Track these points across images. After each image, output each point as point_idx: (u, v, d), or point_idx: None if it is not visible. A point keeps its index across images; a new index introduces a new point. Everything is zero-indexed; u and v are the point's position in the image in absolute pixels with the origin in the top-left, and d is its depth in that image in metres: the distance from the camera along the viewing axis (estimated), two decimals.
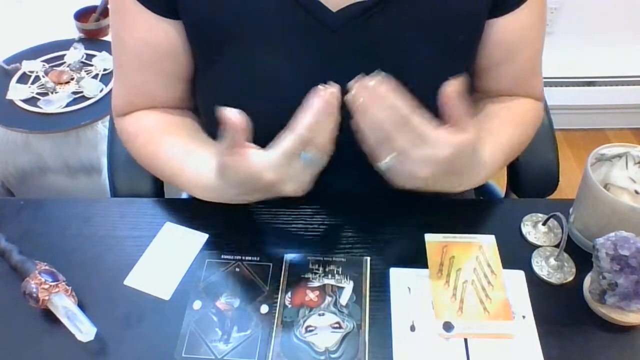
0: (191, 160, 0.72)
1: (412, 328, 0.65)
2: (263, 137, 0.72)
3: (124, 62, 0.74)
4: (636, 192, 0.70)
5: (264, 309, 0.66)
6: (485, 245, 0.73)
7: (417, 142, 0.57)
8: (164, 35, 0.70)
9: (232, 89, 0.70)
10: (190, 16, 0.68)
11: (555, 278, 0.69)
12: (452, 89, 0.56)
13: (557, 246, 0.73)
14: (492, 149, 0.71)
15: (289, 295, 0.67)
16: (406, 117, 0.56)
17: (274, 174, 0.59)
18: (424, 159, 0.58)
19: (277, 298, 0.67)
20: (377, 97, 0.56)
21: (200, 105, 0.77)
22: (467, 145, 0.58)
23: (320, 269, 0.70)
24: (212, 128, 0.76)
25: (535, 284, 0.69)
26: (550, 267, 0.70)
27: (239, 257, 0.71)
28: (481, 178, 0.69)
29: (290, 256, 0.71)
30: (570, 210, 0.75)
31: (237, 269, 0.70)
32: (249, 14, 0.65)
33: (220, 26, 0.67)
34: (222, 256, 0.71)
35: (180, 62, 0.73)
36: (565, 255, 0.71)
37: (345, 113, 0.69)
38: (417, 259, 0.71)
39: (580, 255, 0.71)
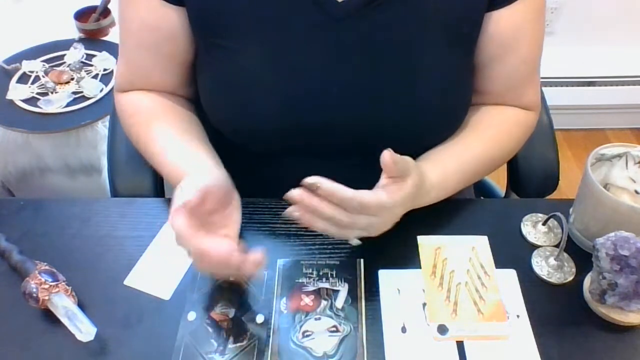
0: (173, 155, 0.72)
1: (404, 329, 0.65)
2: (264, 127, 0.72)
3: (126, 41, 0.76)
4: (636, 192, 0.70)
5: (260, 318, 0.65)
6: (478, 246, 0.73)
7: (370, 213, 0.61)
8: (164, 20, 0.71)
9: (232, 78, 0.70)
10: (194, 3, 0.69)
11: (555, 278, 0.69)
12: (388, 158, 0.61)
13: (557, 246, 0.73)
14: (444, 171, 0.73)
15: (284, 301, 0.67)
16: (346, 202, 0.60)
17: None
18: (382, 220, 0.62)
19: (272, 306, 0.66)
20: (313, 210, 0.60)
21: (201, 94, 0.77)
22: (408, 195, 0.63)
23: (314, 272, 0.70)
24: (212, 118, 0.77)
25: (535, 283, 0.69)
26: (550, 267, 0.70)
27: None
28: (430, 199, 0.72)
29: (283, 261, 0.71)
30: (570, 210, 0.75)
31: (232, 278, 0.69)
32: (253, 2, 0.66)
33: (224, 14, 0.67)
34: None
35: (178, 47, 0.74)
36: (565, 255, 0.71)
37: (331, 115, 0.70)
38: (410, 260, 0.71)
39: (580, 255, 0.71)
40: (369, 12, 0.65)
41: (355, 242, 0.63)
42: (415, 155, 0.78)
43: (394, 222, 0.65)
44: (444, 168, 0.73)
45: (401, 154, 0.77)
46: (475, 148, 0.76)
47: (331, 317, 0.65)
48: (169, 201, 0.81)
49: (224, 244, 0.58)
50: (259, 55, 0.68)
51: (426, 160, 0.73)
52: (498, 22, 0.71)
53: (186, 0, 0.69)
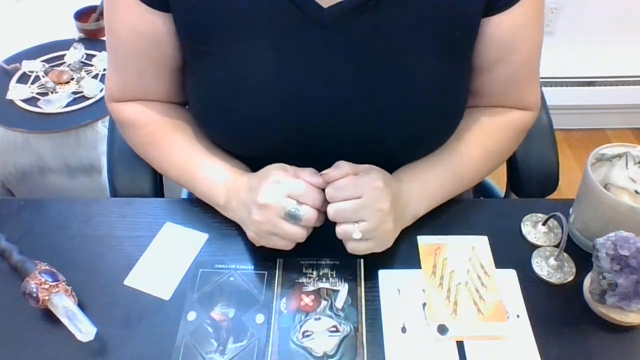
0: (203, 172, 0.75)
1: (404, 329, 0.65)
2: (252, 133, 0.72)
3: (115, 49, 0.76)
4: (636, 192, 0.71)
5: (260, 318, 0.65)
6: (478, 246, 0.73)
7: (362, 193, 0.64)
8: (151, 26, 0.71)
9: (220, 84, 0.70)
10: (180, 9, 0.68)
11: (555, 278, 0.69)
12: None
13: (557, 246, 0.73)
14: (426, 183, 0.75)
15: (284, 301, 0.67)
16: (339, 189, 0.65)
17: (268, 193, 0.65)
18: (373, 199, 0.64)
19: (272, 306, 0.67)
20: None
21: (190, 101, 0.77)
22: (375, 168, 0.68)
23: (314, 272, 0.70)
24: (201, 123, 0.77)
25: (535, 283, 0.69)
26: (550, 267, 0.70)
27: (233, 267, 0.71)
28: (414, 205, 0.73)
29: (283, 261, 0.71)
30: (570, 210, 0.75)
31: (232, 279, 0.69)
32: (239, 9, 0.66)
33: (210, 20, 0.67)
34: (216, 266, 0.71)
35: (166, 53, 0.74)
36: (565, 255, 0.71)
37: (322, 121, 0.70)
38: (410, 260, 0.71)
39: (580, 255, 0.71)
40: (356, 17, 0.65)
41: (357, 234, 0.64)
42: (410, 162, 0.78)
43: (386, 220, 0.65)
44: (422, 175, 0.75)
45: (397, 160, 0.77)
46: (457, 157, 0.77)
47: (331, 317, 0.65)
48: (169, 201, 0.81)
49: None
50: (246, 61, 0.68)
51: (403, 171, 0.75)
52: (498, 25, 0.71)
53: (172, 6, 0.69)
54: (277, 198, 0.64)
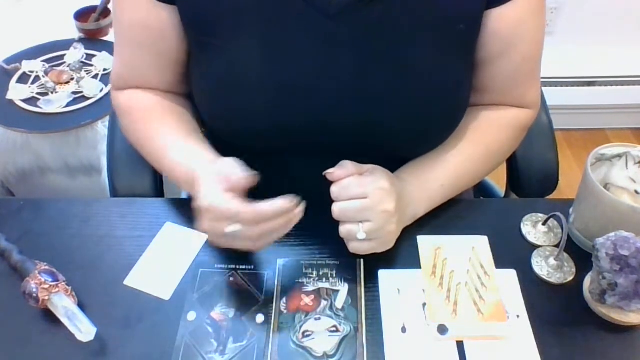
0: (176, 153, 0.73)
1: (404, 329, 0.65)
2: (256, 125, 0.72)
3: (119, 39, 0.77)
4: (636, 192, 0.71)
5: (260, 318, 0.65)
6: (478, 246, 0.73)
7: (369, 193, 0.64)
8: (156, 19, 0.71)
9: (223, 76, 0.70)
10: (185, 1, 0.69)
11: (555, 278, 0.69)
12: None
13: (557, 246, 0.73)
14: (426, 178, 0.75)
15: (284, 301, 0.67)
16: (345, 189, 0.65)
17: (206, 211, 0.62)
18: (379, 200, 0.64)
19: (272, 306, 0.67)
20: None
21: (195, 94, 0.77)
22: (379, 169, 0.68)
23: (314, 272, 0.70)
24: (204, 115, 0.77)
25: (535, 283, 0.69)
26: (550, 267, 0.70)
27: (233, 267, 0.71)
28: (415, 206, 0.73)
29: (283, 261, 0.71)
30: (570, 210, 0.75)
31: (232, 279, 0.69)
32: (244, 1, 0.66)
33: (215, 13, 0.67)
34: (216, 266, 0.71)
35: (170, 46, 0.74)
36: (565, 255, 0.71)
37: (324, 114, 0.70)
38: (410, 260, 0.71)
39: (580, 255, 0.71)
40: (361, 9, 0.65)
41: (362, 235, 0.64)
42: (412, 157, 0.78)
43: (390, 221, 0.65)
44: (422, 174, 0.75)
45: (399, 156, 0.77)
46: (457, 157, 0.76)
47: (331, 317, 0.65)
48: (169, 201, 0.81)
49: (277, 201, 0.61)
50: (251, 53, 0.68)
51: (403, 171, 0.75)
52: (500, 19, 0.71)
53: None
54: (213, 225, 0.62)
